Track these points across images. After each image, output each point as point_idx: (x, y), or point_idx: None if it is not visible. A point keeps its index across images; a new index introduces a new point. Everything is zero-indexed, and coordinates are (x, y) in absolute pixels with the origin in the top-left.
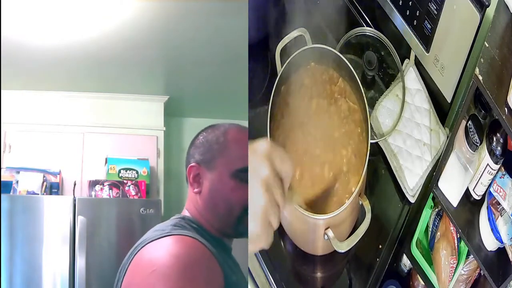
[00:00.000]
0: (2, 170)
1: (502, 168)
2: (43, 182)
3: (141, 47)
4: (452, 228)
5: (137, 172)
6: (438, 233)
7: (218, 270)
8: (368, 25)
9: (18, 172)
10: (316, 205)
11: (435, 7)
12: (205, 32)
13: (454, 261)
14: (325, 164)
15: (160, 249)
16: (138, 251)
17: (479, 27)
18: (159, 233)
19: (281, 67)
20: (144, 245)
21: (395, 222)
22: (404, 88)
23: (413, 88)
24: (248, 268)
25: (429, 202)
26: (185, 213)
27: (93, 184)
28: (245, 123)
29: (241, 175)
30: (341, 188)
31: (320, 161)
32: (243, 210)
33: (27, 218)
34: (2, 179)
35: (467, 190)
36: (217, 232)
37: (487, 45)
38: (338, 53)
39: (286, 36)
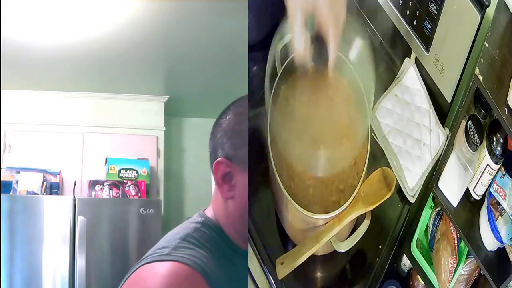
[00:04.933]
0: (2, 170)
1: (502, 168)
2: (43, 182)
3: (141, 47)
4: (452, 228)
5: (137, 172)
6: (438, 233)
7: None
8: (368, 25)
9: (18, 172)
10: (316, 204)
11: (435, 7)
12: (205, 32)
13: (454, 261)
14: (326, 164)
15: (147, 282)
16: (134, 271)
17: (479, 27)
18: (158, 253)
19: (281, 67)
20: (140, 266)
21: (395, 222)
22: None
23: (413, 88)
24: (248, 268)
25: (429, 202)
26: (210, 213)
27: (93, 184)
28: None
29: None
30: (341, 188)
31: (320, 161)
32: None
33: (27, 218)
34: (2, 179)
35: (467, 190)
36: (243, 241)
37: (487, 45)
38: (338, 53)
39: (286, 36)
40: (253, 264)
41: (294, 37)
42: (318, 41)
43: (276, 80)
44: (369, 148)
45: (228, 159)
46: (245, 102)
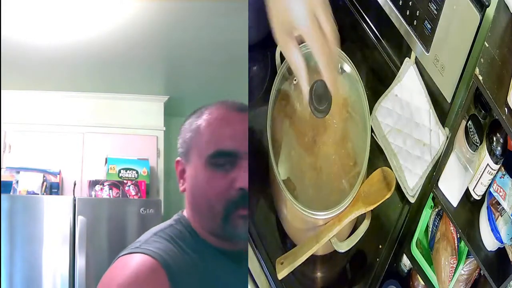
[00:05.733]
0: (2, 170)
1: (502, 168)
2: (43, 182)
3: (141, 47)
4: (452, 228)
5: (137, 172)
6: (438, 233)
7: None
8: (368, 25)
9: (18, 172)
10: (316, 204)
11: (435, 7)
12: (205, 32)
13: (454, 261)
14: (325, 164)
15: (118, 271)
16: (112, 263)
17: (479, 27)
18: (132, 246)
19: (281, 67)
20: (117, 259)
21: (395, 222)
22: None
23: (413, 88)
24: (248, 268)
25: (429, 202)
26: (185, 211)
27: (93, 184)
28: None
29: (214, 161)
30: (341, 188)
31: (320, 161)
32: (226, 206)
33: (27, 218)
34: (2, 179)
35: (467, 190)
36: (209, 234)
37: (487, 45)
38: (341, 51)
39: None
40: (253, 264)
41: (298, 78)
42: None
43: (277, 80)
44: (369, 148)
45: (181, 157)
46: (203, 112)
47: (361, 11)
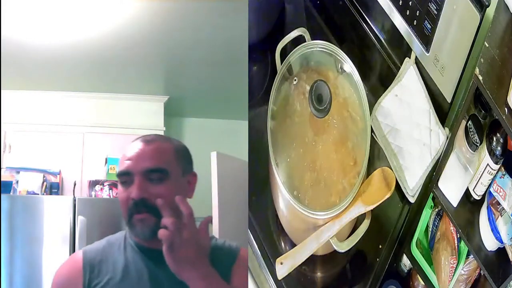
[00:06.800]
0: (2, 170)
1: (502, 168)
2: (43, 182)
3: (141, 46)
4: (452, 228)
5: None
6: (438, 233)
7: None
8: (368, 25)
9: (18, 172)
10: (316, 204)
11: (435, 7)
12: (205, 32)
13: (454, 261)
14: (325, 164)
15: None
16: None
17: (479, 27)
18: None
19: (281, 67)
20: None
21: (395, 222)
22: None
23: (413, 88)
24: (248, 268)
25: (429, 202)
26: None
27: (93, 184)
28: (245, 123)
29: (120, 179)
30: (341, 188)
31: (320, 161)
32: (127, 212)
33: (27, 218)
34: (2, 179)
35: (467, 190)
36: (131, 234)
37: (487, 45)
38: (341, 51)
39: (286, 36)
40: (253, 263)
41: None
42: None
43: (277, 80)
44: (369, 148)
45: None
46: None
47: (361, 11)
